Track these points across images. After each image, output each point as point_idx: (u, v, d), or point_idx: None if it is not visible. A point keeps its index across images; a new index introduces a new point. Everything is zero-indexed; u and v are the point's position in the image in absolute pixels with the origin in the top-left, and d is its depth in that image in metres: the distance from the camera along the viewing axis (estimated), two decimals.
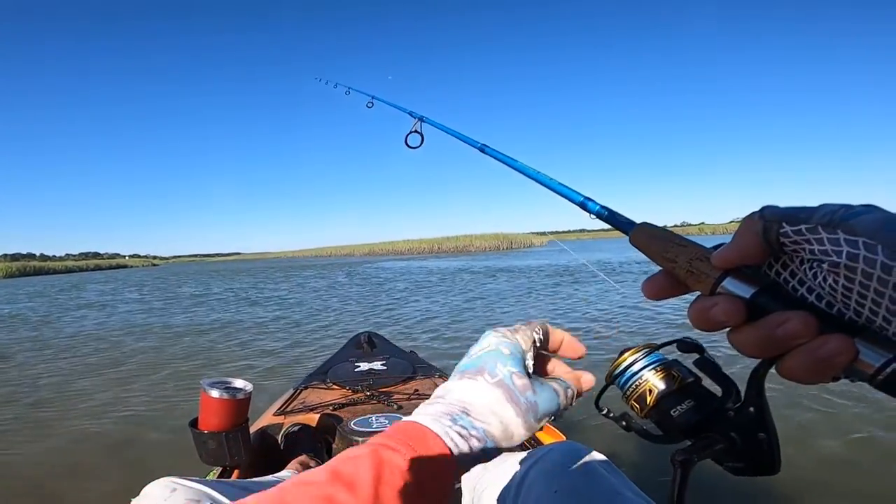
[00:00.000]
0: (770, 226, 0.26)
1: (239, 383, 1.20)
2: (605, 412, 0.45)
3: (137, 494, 0.80)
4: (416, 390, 1.61)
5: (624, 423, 0.43)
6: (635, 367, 0.42)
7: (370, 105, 1.58)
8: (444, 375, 1.80)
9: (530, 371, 0.41)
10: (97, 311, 9.98)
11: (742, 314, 0.27)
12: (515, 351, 0.42)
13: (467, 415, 0.38)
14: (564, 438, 1.32)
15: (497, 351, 0.41)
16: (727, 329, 0.29)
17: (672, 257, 0.32)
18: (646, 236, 0.36)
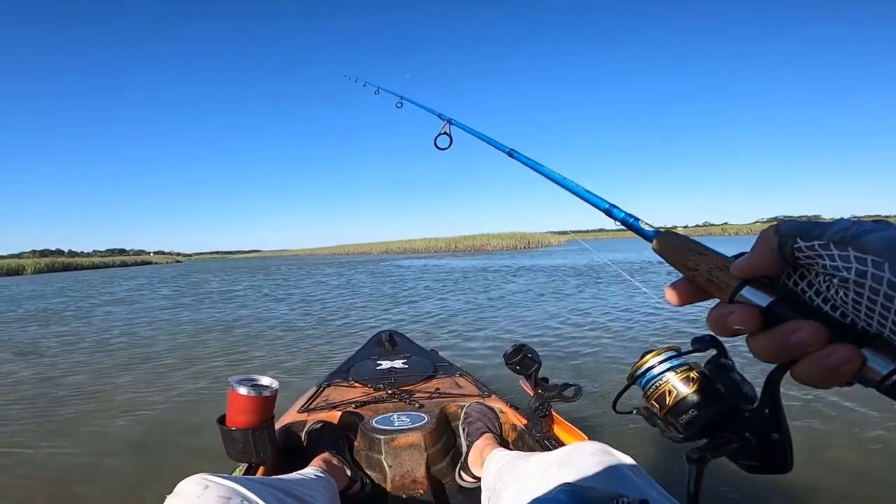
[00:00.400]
0: (785, 241, 0.28)
1: (265, 381, 1.22)
2: (628, 411, 0.46)
3: (169, 491, 0.82)
4: (438, 389, 1.62)
5: (646, 418, 0.45)
6: (656, 370, 0.44)
7: (399, 105, 1.58)
8: (466, 374, 1.81)
9: None
10: (126, 306, 10.18)
11: (757, 322, 0.29)
12: None
13: None
14: (586, 438, 1.31)
15: None
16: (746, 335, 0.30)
17: (693, 266, 0.34)
18: (668, 245, 0.37)
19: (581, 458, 0.78)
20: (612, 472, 0.74)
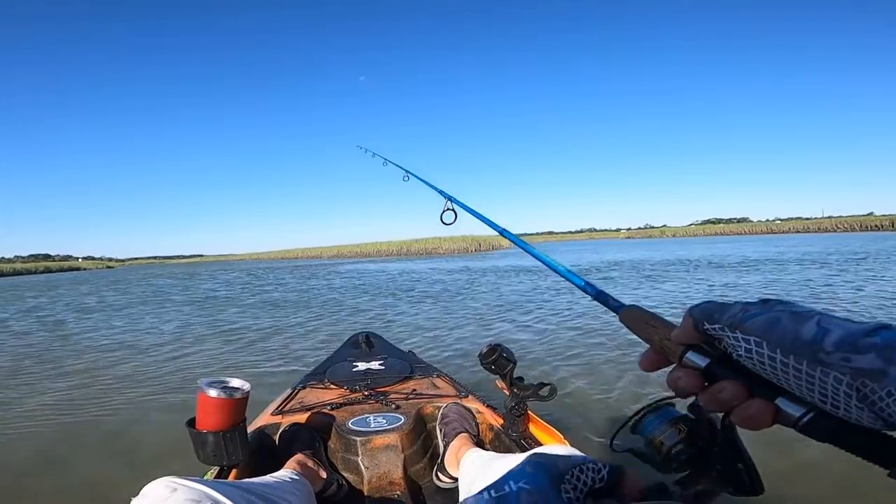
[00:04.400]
0: (697, 322, 0.36)
1: (236, 383, 1.18)
2: (625, 448, 0.56)
3: (136, 494, 0.79)
4: (414, 390, 1.61)
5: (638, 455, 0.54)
6: (647, 420, 0.54)
7: (406, 179, 1.72)
8: (443, 375, 1.80)
9: None
10: (79, 313, 9.46)
11: (700, 383, 0.37)
12: None
13: None
14: (562, 437, 1.34)
15: None
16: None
17: (649, 336, 0.42)
18: (630, 318, 0.46)
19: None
20: None
